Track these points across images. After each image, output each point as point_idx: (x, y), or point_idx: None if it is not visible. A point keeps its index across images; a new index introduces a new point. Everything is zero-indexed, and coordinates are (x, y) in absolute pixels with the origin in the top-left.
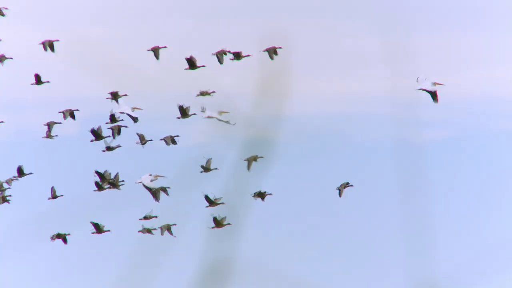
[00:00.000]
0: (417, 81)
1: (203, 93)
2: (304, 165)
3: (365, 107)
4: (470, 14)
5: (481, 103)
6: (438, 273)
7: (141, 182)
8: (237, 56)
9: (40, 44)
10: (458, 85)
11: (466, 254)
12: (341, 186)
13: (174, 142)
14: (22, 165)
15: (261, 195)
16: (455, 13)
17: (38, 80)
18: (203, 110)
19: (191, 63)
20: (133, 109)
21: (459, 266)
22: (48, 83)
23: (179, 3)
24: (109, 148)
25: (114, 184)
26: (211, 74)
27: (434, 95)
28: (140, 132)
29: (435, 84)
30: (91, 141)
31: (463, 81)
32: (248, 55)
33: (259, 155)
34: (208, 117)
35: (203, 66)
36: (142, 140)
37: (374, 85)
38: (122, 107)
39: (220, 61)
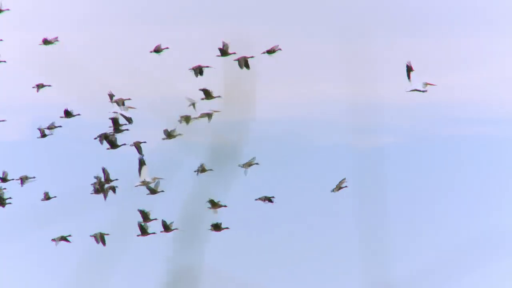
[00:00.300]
0: (408, 79)
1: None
2: (268, 171)
3: (325, 112)
4: (426, 21)
5: (436, 108)
6: (395, 277)
7: (140, 184)
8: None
9: (41, 44)
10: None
11: (422, 258)
12: (337, 186)
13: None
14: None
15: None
16: (411, 19)
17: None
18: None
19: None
20: (127, 108)
21: (416, 271)
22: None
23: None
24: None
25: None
26: (172, 79)
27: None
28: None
29: (426, 84)
30: (107, 149)
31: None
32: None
33: (254, 161)
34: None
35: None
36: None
37: (334, 90)
38: (115, 108)
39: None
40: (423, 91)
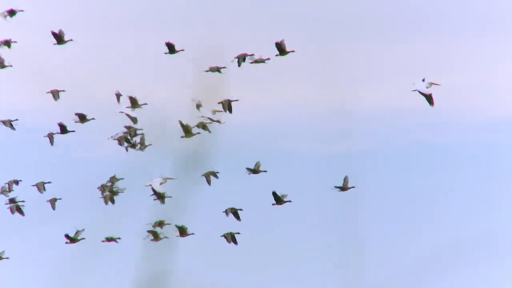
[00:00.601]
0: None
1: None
2: (240, 177)
3: (297, 118)
4: (393, 27)
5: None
6: (368, 283)
7: (150, 185)
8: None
9: (54, 44)
10: (381, 95)
11: (395, 264)
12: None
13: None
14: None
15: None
16: (385, 26)
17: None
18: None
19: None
20: (133, 108)
21: (389, 277)
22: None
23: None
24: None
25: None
26: (146, 86)
27: (429, 98)
28: None
29: (431, 84)
30: (126, 149)
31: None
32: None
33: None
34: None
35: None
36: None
37: (308, 96)
38: (121, 108)
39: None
40: (426, 94)
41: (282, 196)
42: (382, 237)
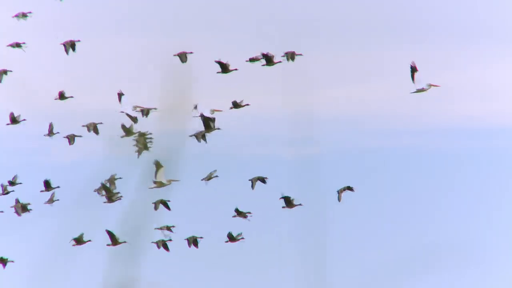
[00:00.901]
0: (413, 81)
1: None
2: (207, 185)
3: (263, 124)
4: (343, 33)
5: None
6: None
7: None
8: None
9: (61, 44)
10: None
11: (360, 267)
12: (340, 190)
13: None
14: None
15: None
16: (342, 32)
17: (61, 96)
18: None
19: (224, 67)
20: (134, 108)
21: (351, 283)
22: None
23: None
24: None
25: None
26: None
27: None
28: None
29: (430, 85)
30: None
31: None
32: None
33: (264, 176)
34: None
35: (236, 69)
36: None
37: (271, 102)
38: (123, 107)
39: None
40: (424, 88)
41: (292, 199)
42: (347, 243)
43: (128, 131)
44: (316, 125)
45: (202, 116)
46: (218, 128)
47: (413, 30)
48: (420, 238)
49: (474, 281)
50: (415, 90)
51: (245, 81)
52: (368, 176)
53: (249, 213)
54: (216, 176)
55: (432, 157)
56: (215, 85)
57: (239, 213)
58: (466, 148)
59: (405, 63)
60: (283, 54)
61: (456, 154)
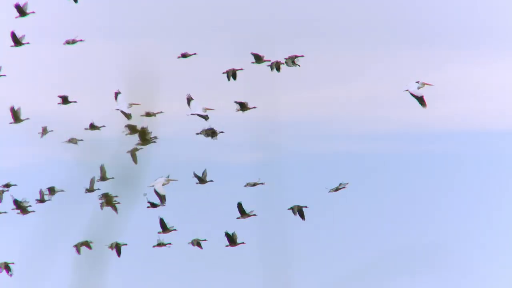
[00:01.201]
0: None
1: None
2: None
3: (228, 130)
4: (343, 33)
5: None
6: None
7: (153, 186)
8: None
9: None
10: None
11: (325, 274)
12: (337, 187)
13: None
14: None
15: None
16: (316, 33)
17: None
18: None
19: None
20: (130, 105)
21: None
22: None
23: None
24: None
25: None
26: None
27: (421, 100)
28: None
29: (423, 84)
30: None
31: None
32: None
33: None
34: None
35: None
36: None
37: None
38: (119, 104)
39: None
40: (417, 97)
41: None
42: (312, 249)
43: (133, 129)
44: (279, 129)
45: (198, 114)
46: (222, 132)
47: (413, 30)
48: (386, 243)
49: (474, 280)
50: (405, 90)
51: (208, 84)
52: (361, 179)
53: (252, 211)
54: (211, 180)
55: (432, 160)
56: (179, 88)
57: (242, 212)
58: (465, 148)
59: (400, 63)
60: (283, 61)
61: (456, 154)
